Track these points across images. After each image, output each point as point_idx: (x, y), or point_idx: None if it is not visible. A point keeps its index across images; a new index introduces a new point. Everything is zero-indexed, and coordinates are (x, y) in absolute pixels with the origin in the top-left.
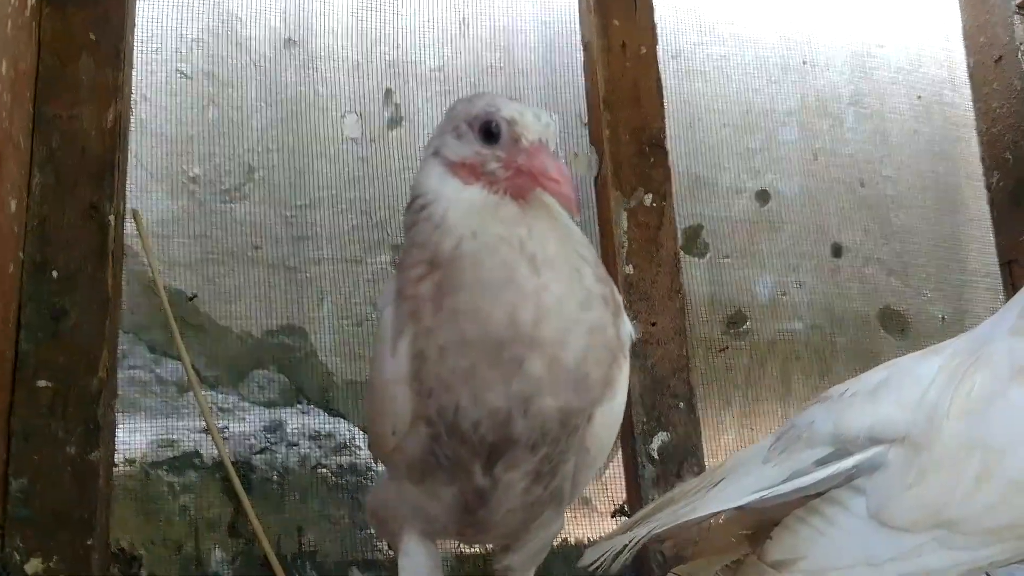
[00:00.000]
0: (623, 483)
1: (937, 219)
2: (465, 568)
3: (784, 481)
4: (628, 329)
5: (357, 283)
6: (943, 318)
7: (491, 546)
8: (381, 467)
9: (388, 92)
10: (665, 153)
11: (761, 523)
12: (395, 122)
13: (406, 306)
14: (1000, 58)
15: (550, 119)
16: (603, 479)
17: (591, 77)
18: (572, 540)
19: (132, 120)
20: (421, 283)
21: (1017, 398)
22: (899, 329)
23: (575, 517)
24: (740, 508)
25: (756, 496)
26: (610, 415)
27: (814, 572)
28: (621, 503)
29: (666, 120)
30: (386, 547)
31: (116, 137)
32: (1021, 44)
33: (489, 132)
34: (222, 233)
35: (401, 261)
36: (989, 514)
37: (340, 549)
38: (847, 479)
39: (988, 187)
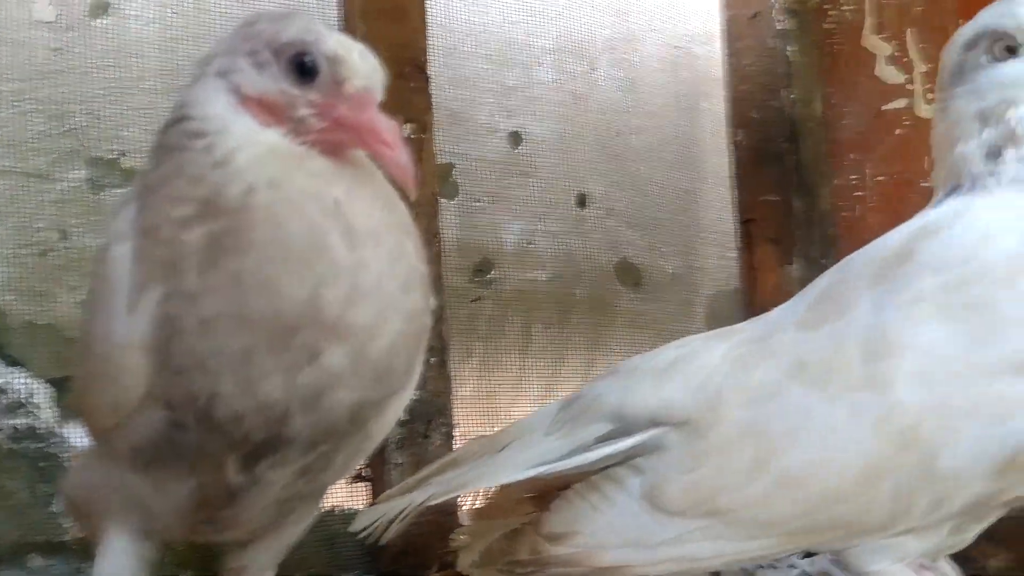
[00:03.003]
0: None
1: (678, 174)
2: (177, 548)
3: (564, 457)
4: (433, 305)
5: (42, 203)
6: (672, 272)
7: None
8: (73, 431)
9: None
10: (427, 79)
11: (547, 486)
12: (100, 8)
13: (159, 252)
14: (756, 15)
15: (378, 63)
16: None
17: None
18: None
19: None
20: (188, 229)
21: (796, 394)
22: (633, 282)
23: None
24: None
25: (535, 471)
26: (403, 400)
27: (586, 548)
28: (359, 469)
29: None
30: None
31: None
32: (777, 2)
33: (303, 68)
34: None
35: (153, 185)
36: (758, 507)
37: (16, 530)
38: (628, 457)
39: (733, 145)
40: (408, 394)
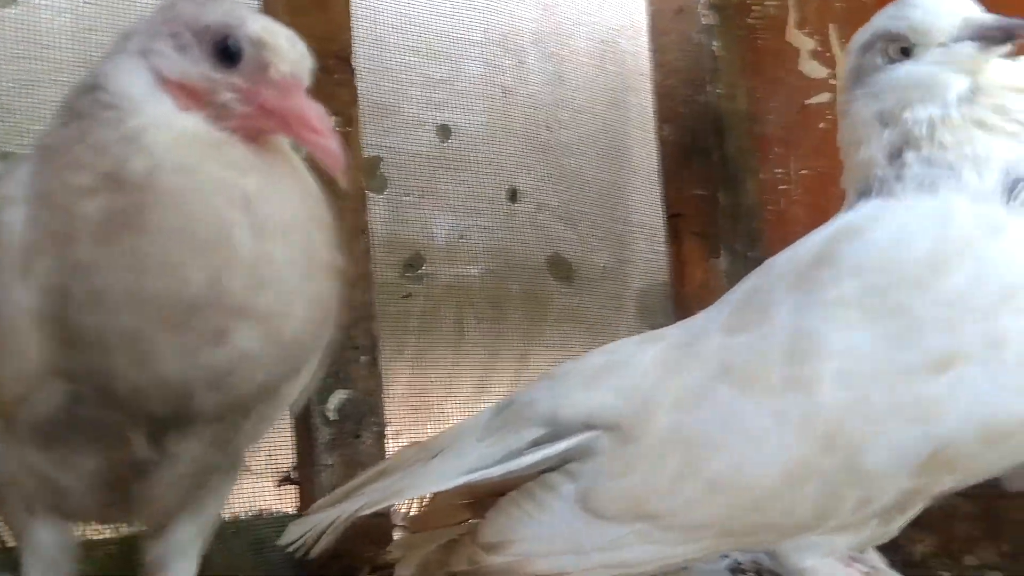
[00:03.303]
0: (291, 448)
1: (607, 168)
2: (97, 553)
3: (497, 463)
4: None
5: None
6: (604, 267)
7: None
8: None
9: None
10: (352, 71)
11: (485, 493)
12: None
13: (52, 219)
14: (680, 10)
15: (305, 49)
16: (267, 445)
17: None
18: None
19: None
20: (87, 199)
21: (723, 398)
22: (565, 276)
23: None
24: None
25: (466, 479)
26: (313, 365)
27: (523, 556)
28: (287, 471)
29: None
30: None
31: None
32: None
33: (226, 52)
34: None
35: (52, 147)
36: (689, 511)
37: None
38: (562, 462)
39: (659, 140)
40: (319, 357)
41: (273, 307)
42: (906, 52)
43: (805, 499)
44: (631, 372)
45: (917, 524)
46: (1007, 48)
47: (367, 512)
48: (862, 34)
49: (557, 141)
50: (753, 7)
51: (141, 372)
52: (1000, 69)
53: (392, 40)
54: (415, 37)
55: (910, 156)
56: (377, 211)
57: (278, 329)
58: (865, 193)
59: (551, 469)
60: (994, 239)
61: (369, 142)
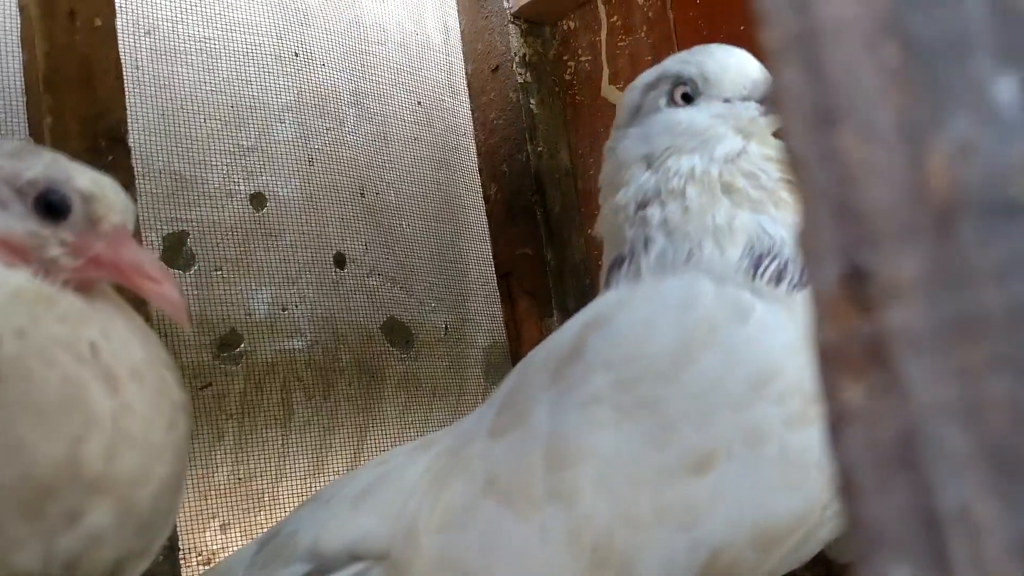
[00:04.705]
0: None
1: (438, 229)
2: None
3: None
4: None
5: None
6: (446, 327)
7: None
8: None
9: None
10: (127, 150)
11: None
12: None
13: None
14: (497, 68)
15: (126, 196)
16: None
17: (29, 49)
18: None
19: None
20: None
21: (488, 513)
22: (403, 341)
23: None
24: None
25: None
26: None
27: None
28: None
29: (139, 109)
30: None
31: None
32: (517, 55)
33: (53, 207)
34: None
35: None
36: None
37: None
38: None
39: (486, 199)
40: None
41: (134, 471)
42: (689, 100)
43: None
44: (399, 489)
45: None
46: None
47: None
48: (649, 73)
49: (384, 203)
50: (568, 63)
51: None
52: (770, 141)
53: (190, 110)
54: (217, 105)
55: (655, 214)
56: (184, 289)
57: (133, 498)
58: (617, 265)
59: None
60: (740, 324)
61: (171, 216)
